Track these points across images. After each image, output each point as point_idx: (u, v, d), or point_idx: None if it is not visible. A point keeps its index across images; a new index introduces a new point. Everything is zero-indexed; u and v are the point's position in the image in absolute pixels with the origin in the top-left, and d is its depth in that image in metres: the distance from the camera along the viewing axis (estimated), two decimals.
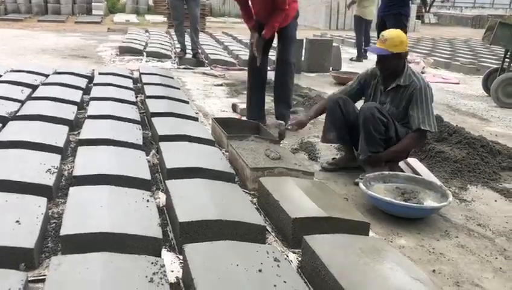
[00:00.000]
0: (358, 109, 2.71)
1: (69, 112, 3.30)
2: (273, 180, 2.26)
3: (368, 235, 1.95)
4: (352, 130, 2.73)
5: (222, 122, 3.37)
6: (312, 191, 2.16)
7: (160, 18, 14.24)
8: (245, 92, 4.13)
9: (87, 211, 1.73)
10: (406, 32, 3.81)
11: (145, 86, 4.44)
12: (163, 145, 2.70)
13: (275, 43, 3.60)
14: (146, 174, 2.23)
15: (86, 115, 3.31)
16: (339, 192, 2.59)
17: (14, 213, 1.68)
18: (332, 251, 1.57)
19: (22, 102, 3.50)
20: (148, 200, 1.86)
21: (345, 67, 7.34)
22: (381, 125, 2.48)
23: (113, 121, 3.05)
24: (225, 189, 2.11)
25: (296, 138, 3.61)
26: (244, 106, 4.22)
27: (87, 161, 2.31)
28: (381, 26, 5.11)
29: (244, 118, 3.87)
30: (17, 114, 3.15)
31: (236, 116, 4.17)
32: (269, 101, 4.30)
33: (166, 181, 2.11)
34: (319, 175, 2.89)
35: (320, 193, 2.16)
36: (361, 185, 2.39)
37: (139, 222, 1.65)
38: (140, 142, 2.79)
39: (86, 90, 4.33)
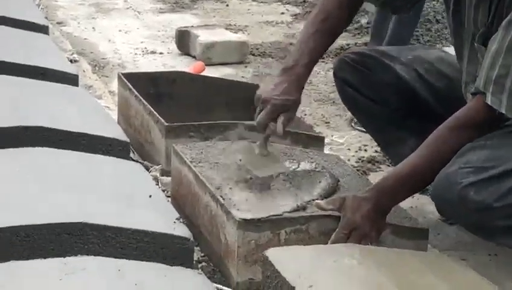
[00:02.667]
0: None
1: None
2: (306, 257, 2.16)
3: None
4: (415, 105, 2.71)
5: (149, 86, 3.25)
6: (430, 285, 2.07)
7: None
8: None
9: None
10: None
11: None
12: None
13: None
14: None
15: None
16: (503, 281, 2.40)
17: None
18: None
19: None
20: None
21: None
22: None
23: None
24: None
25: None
26: (210, 35, 4.25)
27: None
28: None
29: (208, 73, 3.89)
30: None
31: (190, 66, 4.11)
32: None
33: None
34: (442, 236, 2.75)
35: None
36: None
37: None
38: None
39: None
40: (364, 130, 3.34)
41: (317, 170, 2.50)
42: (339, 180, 2.47)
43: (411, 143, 2.64)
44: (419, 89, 2.68)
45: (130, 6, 5.26)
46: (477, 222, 2.30)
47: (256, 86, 3.29)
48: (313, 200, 2.35)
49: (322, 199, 2.36)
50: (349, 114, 3.52)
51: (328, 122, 3.50)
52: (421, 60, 2.68)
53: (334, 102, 3.65)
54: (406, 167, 2.37)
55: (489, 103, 2.21)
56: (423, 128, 2.47)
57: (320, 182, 2.46)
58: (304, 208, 2.32)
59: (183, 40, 4.37)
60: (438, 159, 2.33)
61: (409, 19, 3.72)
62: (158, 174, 2.83)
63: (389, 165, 3.16)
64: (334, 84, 3.70)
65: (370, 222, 2.32)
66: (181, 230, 2.25)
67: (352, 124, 3.46)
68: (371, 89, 2.73)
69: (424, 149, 2.35)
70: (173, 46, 4.44)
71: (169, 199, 2.59)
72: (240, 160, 2.58)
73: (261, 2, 5.45)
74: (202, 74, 3.84)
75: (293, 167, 2.51)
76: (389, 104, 2.71)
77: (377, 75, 2.71)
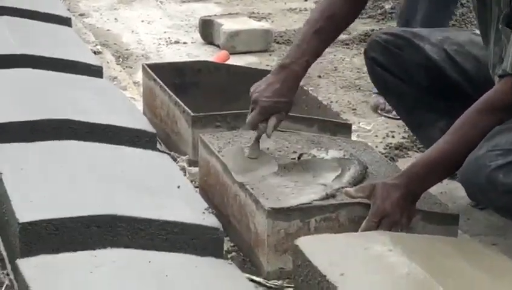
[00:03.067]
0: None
1: None
2: (337, 245, 2.14)
3: None
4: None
5: (173, 76, 3.26)
6: (464, 273, 2.02)
7: None
8: None
9: None
10: None
11: None
12: (3, 157, 2.57)
13: None
14: None
15: None
16: None
17: None
18: None
19: None
20: None
21: None
22: None
23: None
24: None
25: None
26: (233, 24, 4.22)
27: None
28: None
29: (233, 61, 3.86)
30: None
31: (214, 55, 4.09)
32: None
33: (18, 262, 2.07)
34: (473, 222, 2.72)
35: (486, 277, 1.99)
36: None
37: None
38: None
39: None
40: (390, 116, 3.33)
41: (345, 157, 2.48)
42: (367, 167, 2.45)
43: (441, 125, 2.60)
44: (448, 70, 2.65)
45: None
46: (506, 204, 2.25)
47: None
48: (342, 187, 2.33)
49: (351, 187, 2.35)
50: (373, 101, 3.53)
51: (355, 109, 3.48)
52: (451, 41, 2.65)
53: (360, 88, 3.61)
54: (434, 152, 2.35)
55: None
56: (454, 110, 2.42)
57: (349, 169, 2.44)
58: (333, 196, 2.31)
59: (207, 29, 4.35)
60: (466, 143, 2.30)
61: (444, 1, 3.62)
62: (185, 165, 2.83)
63: (417, 151, 3.12)
64: (359, 70, 3.68)
65: (400, 209, 2.30)
66: (210, 220, 2.25)
67: (379, 111, 3.42)
68: (400, 69, 2.70)
69: (452, 134, 2.32)
70: (197, 36, 4.41)
71: (198, 189, 2.59)
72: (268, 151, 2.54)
73: None
74: (227, 62, 3.81)
75: (322, 155, 2.49)
76: (419, 84, 2.69)
77: (407, 55, 2.69)
